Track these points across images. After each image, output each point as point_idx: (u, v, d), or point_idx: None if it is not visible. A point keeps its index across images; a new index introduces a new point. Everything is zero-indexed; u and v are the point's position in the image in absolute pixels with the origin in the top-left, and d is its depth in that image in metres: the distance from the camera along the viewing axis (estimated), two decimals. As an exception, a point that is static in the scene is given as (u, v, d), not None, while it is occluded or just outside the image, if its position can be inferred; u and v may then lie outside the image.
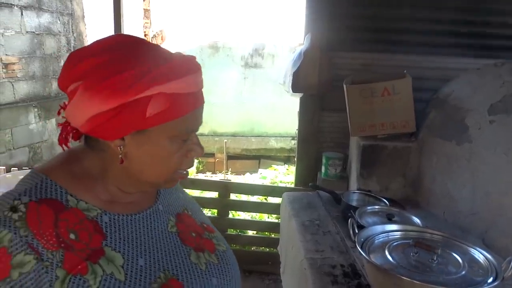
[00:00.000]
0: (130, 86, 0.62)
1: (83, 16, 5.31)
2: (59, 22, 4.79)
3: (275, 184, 4.15)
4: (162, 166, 0.72)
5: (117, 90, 0.62)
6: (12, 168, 2.68)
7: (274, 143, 5.70)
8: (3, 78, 3.99)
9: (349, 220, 1.26)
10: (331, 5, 2.50)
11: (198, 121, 0.73)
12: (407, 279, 0.99)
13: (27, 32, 4.27)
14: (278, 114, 5.61)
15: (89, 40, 5.45)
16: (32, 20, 4.33)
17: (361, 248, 1.15)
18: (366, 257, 1.09)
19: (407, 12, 2.49)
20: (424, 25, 2.49)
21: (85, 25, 5.36)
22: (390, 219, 1.45)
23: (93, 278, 0.62)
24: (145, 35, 7.72)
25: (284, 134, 5.65)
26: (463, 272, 1.05)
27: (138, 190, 0.77)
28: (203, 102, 0.73)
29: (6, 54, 4.00)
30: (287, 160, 5.52)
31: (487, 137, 1.61)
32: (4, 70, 4.00)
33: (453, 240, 1.19)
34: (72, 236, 0.64)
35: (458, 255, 1.12)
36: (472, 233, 1.56)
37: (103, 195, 0.72)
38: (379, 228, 1.25)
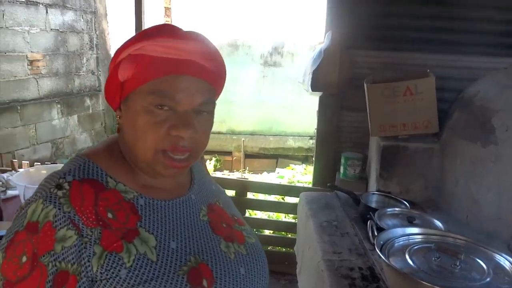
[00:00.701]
0: (113, 56, 0.72)
1: (106, 14, 5.40)
2: (82, 20, 4.88)
3: (293, 184, 4.12)
4: (142, 139, 0.69)
5: (110, 63, 0.73)
6: (35, 163, 2.74)
7: (292, 143, 5.66)
8: (28, 75, 4.10)
9: (368, 222, 1.23)
10: (352, 2, 2.46)
11: (178, 90, 0.68)
12: (428, 284, 0.95)
13: (51, 29, 4.37)
14: (297, 113, 5.57)
15: (111, 37, 5.53)
16: (56, 18, 4.43)
17: (381, 251, 1.12)
18: (386, 260, 1.06)
19: (431, 10, 2.42)
20: (448, 23, 2.42)
21: (108, 23, 5.45)
22: (410, 222, 1.41)
23: (128, 256, 0.65)
24: (165, 34, 7.78)
25: (302, 134, 5.60)
26: (488, 279, 1.01)
27: (150, 174, 0.76)
28: (193, 74, 0.69)
29: (32, 51, 4.11)
30: (305, 160, 5.48)
31: (515, 139, 1.55)
32: (29, 67, 4.10)
33: (477, 245, 1.15)
34: (110, 215, 0.67)
35: (482, 261, 1.08)
36: (497, 239, 1.50)
37: (139, 180, 0.75)
38: (399, 231, 1.22)
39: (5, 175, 1.92)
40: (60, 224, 0.62)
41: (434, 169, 1.93)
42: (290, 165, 4.81)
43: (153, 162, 0.71)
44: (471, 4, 2.42)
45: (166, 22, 7.79)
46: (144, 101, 0.68)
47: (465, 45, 2.42)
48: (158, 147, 0.69)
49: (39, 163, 2.79)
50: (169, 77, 0.68)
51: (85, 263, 0.63)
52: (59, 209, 0.63)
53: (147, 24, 3.28)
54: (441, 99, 2.00)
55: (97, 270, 0.63)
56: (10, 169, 2.79)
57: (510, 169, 1.54)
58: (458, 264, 1.04)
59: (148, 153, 0.70)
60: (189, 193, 0.82)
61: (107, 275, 0.64)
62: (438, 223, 1.42)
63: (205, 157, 5.58)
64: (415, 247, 1.15)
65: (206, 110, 0.73)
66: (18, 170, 2.40)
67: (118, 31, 5.70)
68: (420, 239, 1.19)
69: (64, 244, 0.62)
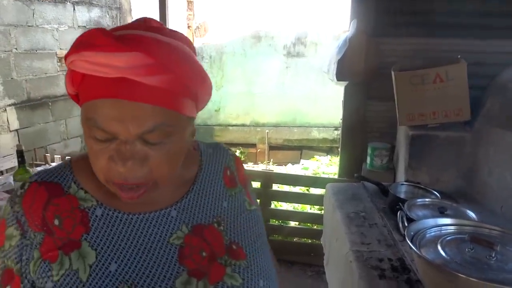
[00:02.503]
0: None
1: (130, 10, 5.49)
2: (107, 16, 4.98)
3: (318, 175, 4.09)
4: (93, 165, 0.62)
5: None
6: (66, 157, 2.84)
7: (316, 134, 5.61)
8: (58, 71, 4.22)
9: (398, 213, 1.21)
10: (378, -12, 2.39)
11: (107, 119, 0.55)
12: (462, 276, 0.93)
13: (78, 26, 4.47)
14: (321, 103, 5.50)
15: (135, 33, 5.62)
16: (83, 14, 4.53)
17: (411, 242, 1.10)
18: (417, 251, 1.04)
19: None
20: (479, 6, 2.31)
21: (132, 18, 5.54)
22: (442, 213, 1.38)
23: (58, 269, 0.61)
24: (188, 27, 7.85)
25: (326, 125, 5.54)
26: (526, 271, 0.97)
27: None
28: (125, 96, 0.54)
29: (60, 48, 4.22)
30: (329, 151, 5.42)
31: (554, 126, 1.48)
32: (59, 64, 4.22)
33: (515, 236, 1.10)
34: (56, 221, 0.63)
35: (519, 252, 1.04)
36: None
37: (105, 187, 0.64)
38: (430, 221, 1.19)
39: (39, 168, 1.99)
40: (9, 222, 0.63)
41: (466, 159, 1.87)
42: (315, 156, 4.77)
43: (109, 185, 0.62)
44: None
45: (189, 15, 7.84)
46: (84, 128, 0.60)
47: (497, 29, 2.31)
48: (108, 177, 0.60)
49: (70, 157, 2.89)
50: (96, 102, 0.56)
51: (24, 266, 0.62)
52: (12, 207, 0.64)
53: (170, 18, 3.31)
54: (472, 86, 1.93)
55: (33, 276, 0.62)
56: (44, 163, 2.89)
57: (549, 157, 1.48)
58: (493, 255, 1.01)
59: (100, 178, 0.62)
60: (171, 208, 0.69)
61: (38, 283, 0.62)
62: (471, 214, 1.38)
63: (230, 149, 5.63)
64: (448, 238, 1.12)
65: (156, 141, 0.58)
66: (51, 164, 2.49)
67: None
68: (452, 230, 1.16)
69: (10, 243, 0.63)
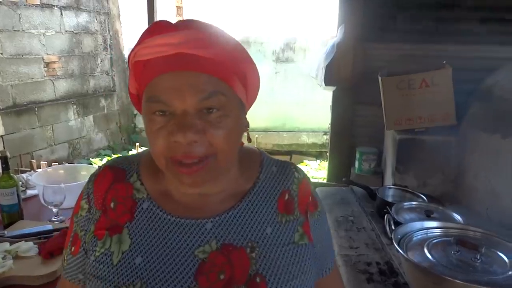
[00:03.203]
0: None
1: (119, 15, 5.46)
2: (96, 21, 4.94)
3: (307, 180, 4.10)
4: (152, 148, 0.64)
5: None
6: (53, 163, 2.79)
7: (305, 138, 5.63)
8: (45, 77, 4.18)
9: (385, 216, 1.22)
10: (365, -5, 2.43)
11: (166, 91, 0.59)
12: (448, 278, 0.94)
13: (66, 31, 4.43)
14: (310, 108, 5.52)
15: (124, 38, 5.59)
16: (71, 20, 4.49)
17: (398, 245, 1.10)
18: (404, 255, 1.05)
19: (445, 0, 2.37)
20: (463, 13, 2.36)
21: (121, 23, 5.51)
22: (428, 216, 1.39)
23: (101, 246, 0.68)
24: (177, 33, 7.85)
25: (316, 129, 5.56)
26: (510, 272, 0.98)
27: (174, 184, 0.69)
28: (182, 67, 0.59)
29: (47, 53, 4.18)
30: (319, 156, 5.44)
31: (537, 130, 1.51)
32: (46, 69, 4.18)
33: (498, 238, 1.12)
34: (112, 204, 0.70)
35: (503, 254, 1.05)
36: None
37: (161, 185, 0.70)
38: (417, 224, 1.20)
39: (24, 175, 1.96)
40: (84, 195, 0.73)
41: (452, 162, 1.90)
42: (304, 161, 4.78)
43: (168, 171, 0.64)
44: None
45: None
46: (145, 110, 0.63)
47: (481, 35, 2.36)
48: (167, 155, 0.61)
49: (56, 163, 2.84)
50: (156, 79, 0.60)
51: (83, 235, 0.71)
52: (87, 184, 0.73)
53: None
54: (458, 91, 1.96)
55: (86, 245, 0.70)
56: (29, 169, 2.84)
57: (532, 160, 1.50)
58: (478, 257, 1.02)
59: (160, 161, 0.63)
60: (208, 220, 0.67)
61: (88, 254, 0.70)
62: (457, 217, 1.39)
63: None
64: (434, 241, 1.13)
65: (215, 106, 0.60)
66: (37, 170, 2.45)
67: (131, 32, 5.75)
68: (438, 233, 1.17)
69: (81, 212, 0.72)
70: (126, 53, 5.63)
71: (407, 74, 1.98)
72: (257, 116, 5.61)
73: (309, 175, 4.32)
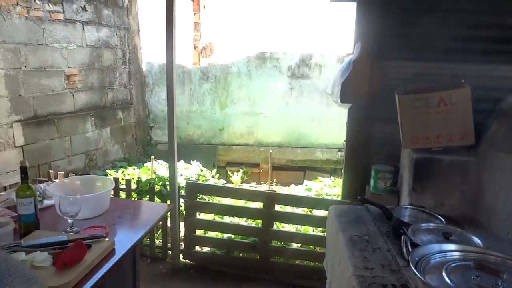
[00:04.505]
0: None
1: (138, 30, 5.59)
2: (116, 36, 5.07)
3: (321, 197, 4.06)
4: None
5: None
6: (70, 174, 2.84)
7: (320, 155, 5.60)
8: (65, 89, 4.28)
9: (402, 237, 1.19)
10: (381, 13, 2.43)
11: None
12: (468, 304, 0.90)
13: (87, 45, 4.56)
14: (325, 125, 5.51)
15: (143, 52, 5.72)
16: (92, 34, 4.62)
17: (416, 267, 1.08)
18: (421, 278, 1.02)
19: (464, 18, 2.35)
20: (483, 32, 2.34)
21: (140, 38, 5.64)
22: (447, 238, 1.35)
23: None
24: (194, 48, 7.98)
25: (330, 146, 5.53)
26: (534, 301, 0.94)
27: None
28: None
29: (68, 67, 4.29)
30: (333, 172, 5.39)
31: (560, 151, 1.47)
32: (66, 82, 4.29)
33: (522, 264, 1.08)
34: None
35: (527, 281, 1.01)
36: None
37: None
38: (435, 247, 1.17)
39: (42, 185, 1.99)
40: None
41: (471, 183, 1.85)
42: (318, 177, 4.74)
43: None
44: (506, 11, 2.33)
45: (195, 36, 7.98)
46: None
47: (502, 54, 2.33)
48: None
49: (73, 174, 2.89)
50: None
51: None
52: None
53: (178, 39, 3.36)
54: (477, 110, 1.93)
55: None
56: (47, 179, 2.90)
57: (555, 183, 1.46)
58: (500, 284, 0.99)
59: None
60: None
61: None
62: (477, 240, 1.35)
63: (232, 168, 5.61)
64: (453, 265, 1.10)
65: None
66: (54, 180, 2.49)
67: (150, 46, 5.88)
68: (457, 256, 1.14)
69: None
70: (144, 67, 5.75)
71: (424, 93, 1.96)
72: (271, 131, 5.62)
73: (322, 191, 4.28)
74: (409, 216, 1.68)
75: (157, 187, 3.42)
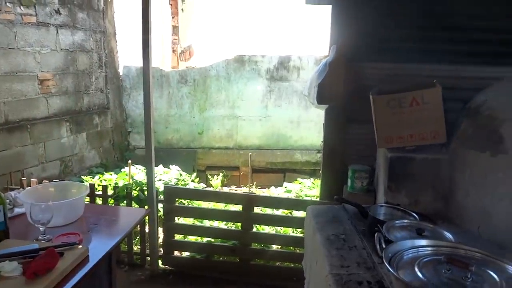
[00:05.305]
0: None
1: (115, 34, 5.51)
2: (91, 39, 4.98)
3: (300, 198, 4.08)
4: None
5: None
6: (44, 181, 2.76)
7: (299, 157, 5.64)
8: (38, 94, 4.17)
9: (376, 235, 1.21)
10: (356, 15, 2.47)
11: None
12: (438, 298, 0.92)
13: (61, 49, 4.46)
14: (304, 127, 5.56)
15: (119, 56, 5.63)
16: (66, 38, 4.53)
17: (389, 264, 1.09)
18: (394, 274, 1.04)
19: (436, 21, 2.42)
20: (454, 33, 2.41)
21: (116, 42, 5.56)
22: (420, 234, 1.38)
23: None
24: (173, 51, 7.92)
25: (309, 147, 5.58)
26: (501, 292, 0.97)
27: None
28: None
29: (42, 71, 4.19)
30: (312, 174, 5.44)
31: (525, 148, 1.52)
32: (40, 86, 4.18)
33: (489, 257, 1.11)
34: None
35: (494, 273, 1.05)
36: (511, 250, 1.45)
37: None
38: (408, 243, 1.19)
39: (12, 193, 1.93)
40: None
41: (443, 180, 1.89)
42: (298, 179, 4.77)
43: None
44: (476, 15, 2.41)
45: (174, 40, 7.93)
46: None
47: (471, 55, 2.40)
48: None
49: (47, 181, 2.81)
50: None
51: None
52: None
53: (156, 42, 3.33)
54: (448, 110, 1.98)
55: None
56: (19, 187, 2.81)
57: (521, 178, 1.51)
58: (469, 276, 1.01)
59: None
60: None
61: None
62: (449, 235, 1.39)
63: (212, 172, 5.58)
64: (425, 260, 1.12)
65: None
66: (26, 188, 2.42)
67: (127, 49, 5.80)
68: (429, 251, 1.16)
69: None
70: (121, 70, 5.67)
71: (398, 93, 2.00)
72: (251, 134, 5.63)
73: (302, 193, 4.31)
74: (384, 214, 1.71)
75: (135, 193, 3.36)
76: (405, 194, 1.94)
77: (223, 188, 5.33)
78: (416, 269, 1.08)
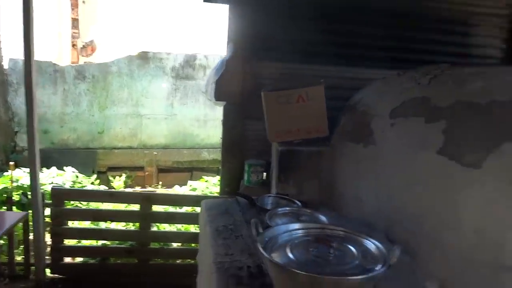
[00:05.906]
0: None
1: (-3, 21, 4.92)
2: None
3: (204, 195, 4.09)
4: None
5: None
6: None
7: (206, 155, 5.65)
8: None
9: (252, 220, 1.26)
10: (252, 16, 2.56)
11: None
12: (302, 272, 1.00)
13: None
14: (211, 125, 5.59)
15: (4, 48, 5.04)
16: None
17: (265, 248, 1.15)
18: (266, 255, 1.09)
19: (325, 25, 2.61)
20: (340, 38, 2.63)
21: (0, 33, 4.97)
22: (298, 220, 1.47)
23: None
24: (73, 45, 7.34)
25: (216, 146, 5.63)
26: (357, 262, 1.09)
27: None
28: None
29: None
30: (219, 171, 5.50)
31: (389, 139, 1.72)
32: None
33: (350, 234, 1.23)
34: None
35: (354, 247, 1.16)
36: (377, 230, 1.63)
37: None
38: (282, 227, 1.26)
39: None
40: None
41: (326, 171, 2.06)
42: (204, 177, 4.78)
43: None
44: (358, 21, 2.66)
45: (74, 33, 7.37)
46: None
47: (354, 58, 2.65)
48: None
49: None
50: None
51: None
52: None
53: (53, 35, 3.06)
54: (334, 107, 2.15)
55: None
56: None
57: (386, 166, 1.70)
58: (332, 252, 1.11)
59: None
60: None
61: None
62: (323, 218, 1.50)
63: (114, 173, 5.30)
64: (296, 241, 1.20)
65: None
66: None
67: (13, 41, 5.23)
68: (301, 234, 1.25)
69: None
70: (6, 64, 5.08)
71: (286, 90, 2.11)
72: (156, 133, 5.48)
73: (208, 190, 4.32)
74: (271, 203, 1.79)
75: (16, 197, 3.04)
76: (292, 184, 2.07)
77: (126, 189, 5.10)
78: (288, 251, 1.15)
